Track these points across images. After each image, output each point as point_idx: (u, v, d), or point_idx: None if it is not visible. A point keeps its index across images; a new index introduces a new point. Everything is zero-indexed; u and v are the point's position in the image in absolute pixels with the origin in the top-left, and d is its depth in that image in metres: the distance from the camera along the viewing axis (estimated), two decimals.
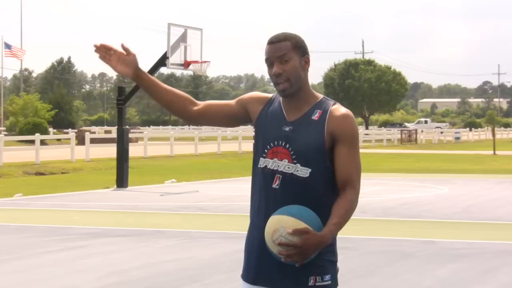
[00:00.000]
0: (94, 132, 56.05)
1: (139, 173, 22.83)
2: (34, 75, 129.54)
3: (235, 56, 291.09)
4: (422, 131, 61.23)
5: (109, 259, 8.85)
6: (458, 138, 61.12)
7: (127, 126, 19.80)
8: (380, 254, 9.14)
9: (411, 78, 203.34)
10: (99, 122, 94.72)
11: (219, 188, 18.38)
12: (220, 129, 42.34)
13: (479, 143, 55.27)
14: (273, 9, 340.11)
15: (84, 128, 61.02)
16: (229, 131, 45.25)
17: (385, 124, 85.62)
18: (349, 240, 9.41)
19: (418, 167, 27.29)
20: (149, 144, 34.05)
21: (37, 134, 29.15)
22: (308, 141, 3.10)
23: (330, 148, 3.11)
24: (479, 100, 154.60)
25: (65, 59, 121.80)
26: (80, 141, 35.18)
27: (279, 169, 3.11)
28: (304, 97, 3.17)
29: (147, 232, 10.93)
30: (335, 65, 77.69)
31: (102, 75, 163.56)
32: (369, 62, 76.92)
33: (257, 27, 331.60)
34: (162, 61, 18.54)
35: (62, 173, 23.83)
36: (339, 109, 3.15)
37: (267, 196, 3.13)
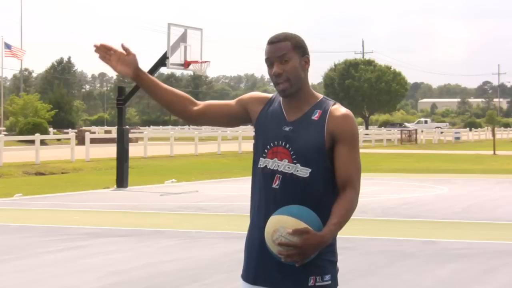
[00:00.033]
0: (94, 132, 56.06)
1: (139, 173, 22.83)
2: (34, 75, 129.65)
3: (235, 56, 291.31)
4: (422, 131, 61.23)
5: (109, 259, 8.85)
6: (458, 138, 61.12)
7: (127, 126, 19.80)
8: (380, 254, 9.14)
9: (411, 78, 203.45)
10: (99, 122, 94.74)
11: (219, 188, 18.38)
12: (220, 129, 42.36)
13: (479, 143, 55.27)
14: (273, 9, 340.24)
15: (84, 128, 61.03)
16: (229, 131, 45.25)
17: (385, 124, 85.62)
18: (349, 240, 9.42)
19: (418, 167, 27.29)
20: (149, 144, 34.05)
21: (37, 134, 29.15)
22: (308, 141, 3.10)
23: (330, 148, 3.11)
24: (479, 100, 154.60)
25: (65, 59, 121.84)
26: (80, 141, 35.19)
27: (279, 169, 3.11)
28: (304, 97, 3.17)
29: (147, 232, 10.93)
30: (335, 65, 77.70)
31: (102, 75, 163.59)
32: (369, 62, 76.93)
33: (257, 27, 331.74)
34: (162, 61, 18.54)
35: (62, 173, 23.83)
36: (339, 109, 3.15)
37: (267, 196, 3.13)
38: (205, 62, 19.54)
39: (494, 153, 36.90)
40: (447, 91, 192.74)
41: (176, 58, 18.74)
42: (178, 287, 7.45)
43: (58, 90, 70.91)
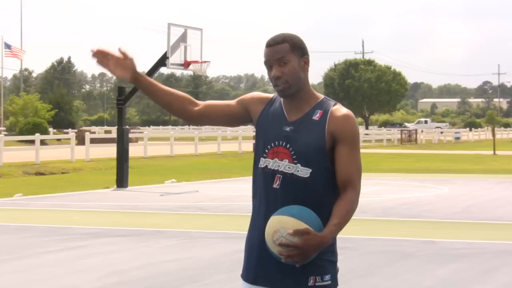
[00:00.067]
0: (94, 132, 56.05)
1: (139, 173, 22.83)
2: (34, 75, 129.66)
3: (235, 56, 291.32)
4: (422, 131, 61.23)
5: (109, 259, 8.85)
6: (458, 138, 61.12)
7: (127, 126, 19.80)
8: (380, 254, 9.14)
9: (411, 78, 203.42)
10: (99, 122, 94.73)
11: (219, 188, 18.38)
12: (220, 129, 42.38)
13: (479, 143, 55.27)
14: (273, 9, 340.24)
15: (84, 128, 61.01)
16: (229, 131, 45.26)
17: (385, 124, 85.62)
18: (349, 240, 9.41)
19: (418, 167, 27.29)
20: (149, 144, 34.05)
21: (37, 134, 29.15)
22: (309, 141, 3.10)
23: (331, 149, 3.11)
24: (479, 100, 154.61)
25: (65, 59, 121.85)
26: (80, 141, 35.19)
27: (280, 169, 3.11)
28: (304, 97, 3.17)
29: (147, 232, 10.93)
30: (335, 65, 77.69)
31: (102, 75, 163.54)
32: (369, 62, 76.93)
33: (257, 27, 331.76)
34: (162, 61, 18.54)
35: (62, 173, 23.83)
36: (340, 110, 3.15)
37: (267, 196, 3.13)
38: (205, 62, 19.54)
39: (494, 153, 36.90)
40: (447, 91, 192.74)
41: (176, 58, 18.73)
42: (178, 287, 7.45)
43: (58, 90, 70.89)
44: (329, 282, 3.08)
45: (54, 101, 63.02)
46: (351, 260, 8.59)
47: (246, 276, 3.20)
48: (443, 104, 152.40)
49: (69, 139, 30.96)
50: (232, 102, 3.32)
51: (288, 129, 3.14)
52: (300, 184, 3.08)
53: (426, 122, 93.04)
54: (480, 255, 9.09)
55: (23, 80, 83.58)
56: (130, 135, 28.29)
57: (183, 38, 18.90)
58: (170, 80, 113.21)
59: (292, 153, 3.10)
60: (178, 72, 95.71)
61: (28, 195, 16.31)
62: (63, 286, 7.51)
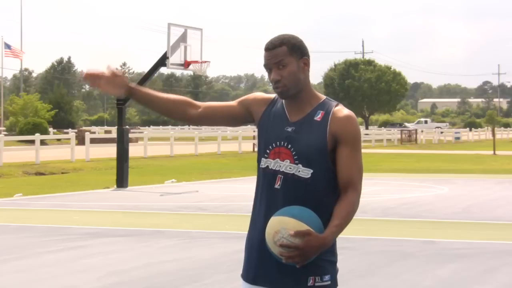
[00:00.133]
0: (94, 132, 56.03)
1: (139, 173, 22.83)
2: (34, 75, 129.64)
3: (235, 56, 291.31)
4: (422, 131, 61.23)
5: (109, 259, 8.85)
6: (458, 138, 61.13)
7: (127, 126, 19.80)
8: (380, 254, 9.14)
9: (411, 78, 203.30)
10: (99, 122, 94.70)
11: (219, 188, 18.38)
12: (220, 129, 42.37)
13: (479, 143, 55.27)
14: (273, 9, 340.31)
15: (84, 128, 60.99)
16: (229, 131, 45.26)
17: (385, 124, 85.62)
18: (349, 240, 9.41)
19: (418, 167, 27.29)
20: (149, 144, 34.05)
21: (37, 134, 29.15)
22: (310, 142, 3.10)
23: (332, 149, 3.11)
24: (479, 100, 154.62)
25: (65, 59, 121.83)
26: (80, 141, 35.18)
27: (281, 170, 3.11)
28: (306, 98, 3.17)
29: (147, 232, 10.93)
30: (335, 65, 77.66)
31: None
32: (369, 62, 76.91)
33: (257, 27, 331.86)
34: (162, 61, 18.54)
35: (62, 173, 23.83)
36: (341, 110, 3.15)
37: (268, 197, 3.13)
38: (205, 62, 19.54)
39: (494, 153, 36.90)
40: (447, 91, 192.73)
41: (176, 58, 18.73)
42: (178, 287, 7.45)
43: (58, 90, 70.89)
44: (329, 282, 3.09)
45: (54, 101, 63.01)
46: (351, 260, 8.59)
47: (246, 276, 3.20)
48: (443, 104, 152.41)
49: (69, 139, 30.96)
50: (233, 102, 3.32)
51: (289, 129, 3.14)
52: (301, 184, 3.08)
53: (426, 122, 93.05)
54: (480, 255, 9.09)
55: (23, 80, 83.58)
56: (130, 135, 28.29)
57: (183, 38, 18.90)
58: (170, 80, 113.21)
59: (293, 153, 3.10)
60: (178, 72, 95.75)
61: (28, 195, 16.31)
62: (63, 286, 7.51)
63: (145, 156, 31.31)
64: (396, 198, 15.79)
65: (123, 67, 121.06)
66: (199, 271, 8.11)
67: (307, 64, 3.17)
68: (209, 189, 18.12)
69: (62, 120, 63.25)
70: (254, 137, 39.96)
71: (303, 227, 2.92)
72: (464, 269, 8.34)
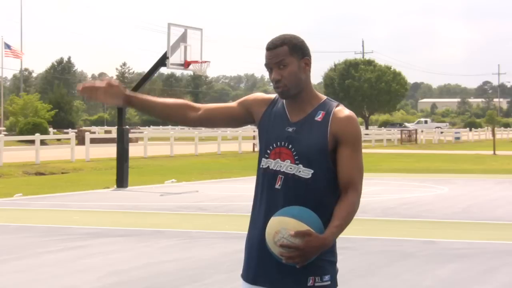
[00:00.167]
0: (94, 132, 55.97)
1: (139, 173, 22.83)
2: (34, 75, 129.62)
3: (235, 56, 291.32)
4: (422, 131, 61.23)
5: (109, 259, 8.85)
6: (458, 138, 61.13)
7: (127, 126, 19.80)
8: (380, 254, 9.14)
9: (411, 78, 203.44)
10: (99, 122, 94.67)
11: (219, 188, 18.38)
12: (220, 129, 42.26)
13: (479, 143, 55.27)
14: (273, 9, 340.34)
15: (84, 128, 60.96)
16: (229, 131, 45.25)
17: (385, 124, 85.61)
18: (349, 240, 9.41)
19: (418, 167, 27.29)
20: (149, 144, 34.05)
21: (37, 134, 29.15)
22: (311, 142, 3.10)
23: (333, 150, 3.11)
24: (479, 100, 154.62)
25: (65, 59, 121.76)
26: (80, 141, 35.18)
27: (282, 170, 3.11)
28: (306, 98, 3.18)
29: (147, 232, 10.93)
30: (335, 65, 77.66)
31: (102, 75, 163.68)
32: (369, 62, 76.92)
33: (257, 27, 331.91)
34: (162, 61, 18.54)
35: (62, 173, 23.83)
36: (342, 111, 3.15)
37: (269, 197, 3.13)
38: (205, 62, 19.54)
39: (494, 153, 36.90)
40: (447, 91, 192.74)
41: (176, 58, 18.73)
42: (178, 287, 7.45)
43: (58, 90, 70.84)
44: (329, 282, 3.09)
45: (54, 101, 62.98)
46: (351, 260, 8.59)
47: (246, 276, 3.20)
48: (443, 104, 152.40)
49: (69, 139, 30.96)
50: (233, 103, 3.32)
51: (290, 129, 3.14)
52: (301, 184, 3.08)
53: (426, 122, 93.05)
54: (480, 255, 9.09)
55: (23, 80, 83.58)
56: (130, 135, 28.29)
57: (183, 38, 18.90)
58: (170, 80, 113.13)
59: (294, 153, 3.11)
60: (178, 72, 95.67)
61: (28, 195, 16.31)
62: (63, 286, 7.51)
63: (145, 156, 31.31)
64: (396, 198, 15.79)
65: (123, 67, 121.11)
66: (199, 271, 8.11)
67: (308, 64, 3.17)
68: (209, 189, 18.12)
69: (62, 120, 63.23)
70: (254, 137, 39.97)
71: (303, 227, 2.92)
72: (464, 269, 8.34)
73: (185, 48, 18.93)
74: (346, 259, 8.39)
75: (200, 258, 8.85)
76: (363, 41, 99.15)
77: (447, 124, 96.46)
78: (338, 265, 3.18)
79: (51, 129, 45.95)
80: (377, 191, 17.03)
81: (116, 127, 19.89)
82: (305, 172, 3.08)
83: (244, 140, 38.28)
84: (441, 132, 64.31)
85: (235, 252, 8.83)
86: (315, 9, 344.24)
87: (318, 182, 3.08)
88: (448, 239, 10.40)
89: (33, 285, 7.58)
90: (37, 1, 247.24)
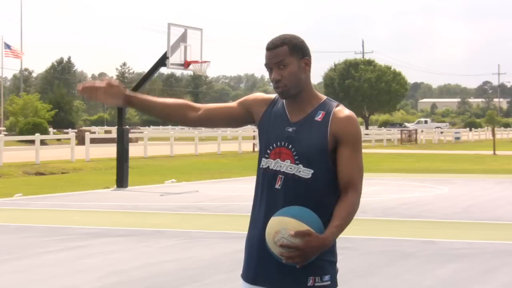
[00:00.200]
0: (94, 132, 55.97)
1: (139, 173, 22.83)
2: (34, 75, 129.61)
3: (235, 56, 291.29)
4: (422, 131, 61.24)
5: (109, 259, 8.85)
6: (458, 138, 61.13)
7: (127, 126, 19.80)
8: (380, 254, 9.14)
9: (411, 78, 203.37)
10: (99, 122, 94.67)
11: (219, 188, 18.39)
12: (220, 129, 42.25)
13: (479, 143, 55.28)
14: (273, 9, 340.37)
15: (84, 128, 60.96)
16: (229, 131, 45.25)
17: (385, 124, 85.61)
18: (349, 240, 9.41)
19: (418, 167, 27.29)
20: (149, 144, 34.05)
21: (37, 134, 29.15)
22: (311, 142, 3.10)
23: (333, 150, 3.11)
24: (479, 100, 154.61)
25: (65, 59, 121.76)
26: (80, 141, 35.18)
27: (282, 170, 3.12)
28: (306, 98, 3.18)
29: (147, 232, 10.93)
30: (335, 65, 77.66)
31: (102, 75, 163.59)
32: (369, 62, 76.92)
33: (257, 27, 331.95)
34: (162, 61, 18.54)
35: (62, 173, 23.83)
36: (342, 111, 3.15)
37: (269, 197, 3.13)
38: (205, 62, 19.54)
39: (494, 153, 36.90)
40: (447, 91, 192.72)
41: (176, 58, 18.74)
42: (178, 287, 7.45)
43: (58, 90, 70.86)
44: (329, 282, 3.09)
45: (54, 101, 62.98)
46: (351, 260, 8.59)
47: (246, 276, 3.20)
48: (443, 104, 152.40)
49: (69, 139, 30.96)
50: (233, 103, 3.32)
51: (290, 129, 3.14)
52: (301, 184, 3.08)
53: (426, 122, 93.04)
54: (480, 255, 9.09)
55: (23, 80, 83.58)
56: (130, 135, 28.29)
57: (183, 38, 18.90)
58: (170, 80, 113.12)
59: (294, 153, 3.11)
60: (178, 72, 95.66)
61: (28, 195, 16.31)
62: (63, 286, 7.51)
63: (145, 156, 31.31)
64: (396, 198, 15.79)
65: (123, 67, 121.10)
66: (199, 271, 8.11)
67: (308, 64, 3.17)
68: (209, 189, 18.12)
69: (62, 120, 63.22)
70: (254, 137, 39.96)
71: (303, 227, 2.92)
72: (464, 269, 8.34)
73: (185, 48, 18.93)
74: (346, 259, 8.39)
75: (200, 258, 8.85)
76: (363, 41, 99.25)
77: (447, 124, 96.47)
78: (338, 265, 3.18)
79: (51, 129, 45.95)
80: (377, 191, 17.03)
81: (116, 127, 19.89)
82: (305, 172, 3.08)
83: (244, 140, 38.28)
84: (441, 132, 64.31)
85: (235, 252, 8.83)
86: (315, 9, 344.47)
87: (318, 182, 3.08)
88: (448, 239, 10.40)
89: (33, 285, 7.58)
90: (37, 1, 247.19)
